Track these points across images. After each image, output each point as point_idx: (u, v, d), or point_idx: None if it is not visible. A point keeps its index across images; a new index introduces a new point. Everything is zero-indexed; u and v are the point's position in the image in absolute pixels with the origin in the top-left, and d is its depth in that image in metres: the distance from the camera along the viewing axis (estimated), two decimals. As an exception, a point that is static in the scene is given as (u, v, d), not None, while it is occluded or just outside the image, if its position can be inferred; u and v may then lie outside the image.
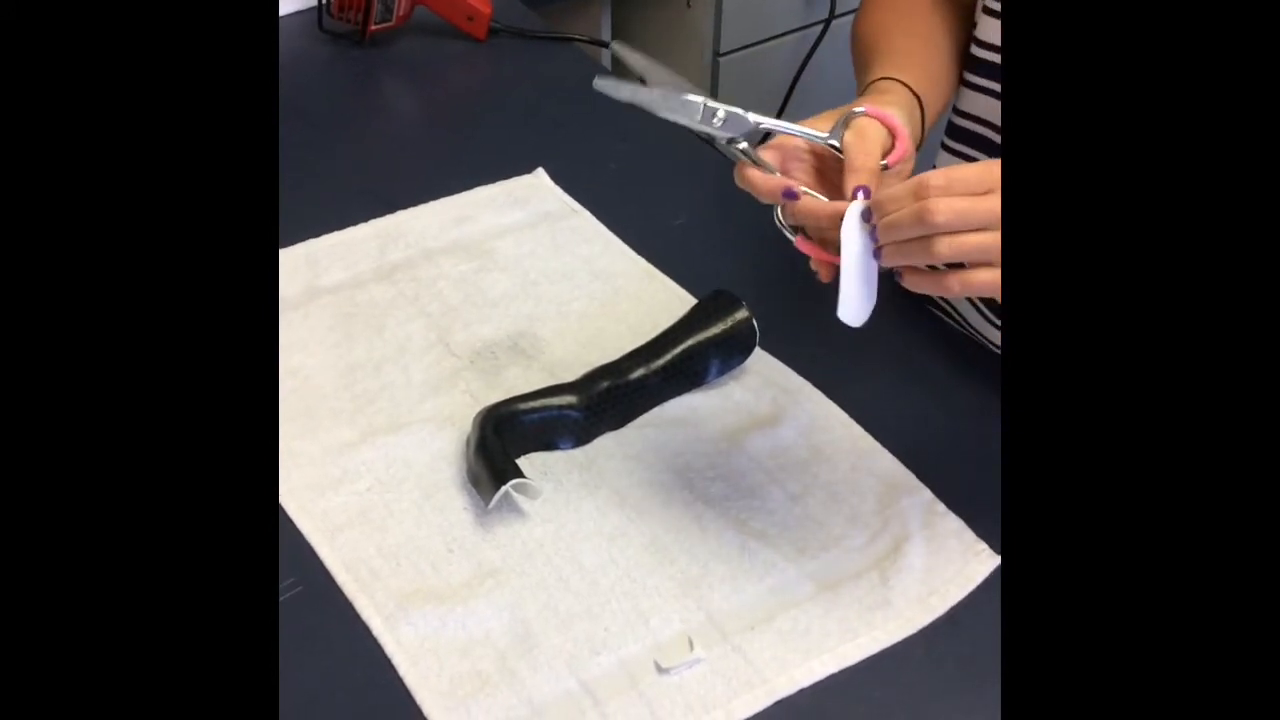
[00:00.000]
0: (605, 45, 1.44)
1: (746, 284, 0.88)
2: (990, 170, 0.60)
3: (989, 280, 0.60)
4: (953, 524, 0.76)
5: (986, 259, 0.60)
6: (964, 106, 0.85)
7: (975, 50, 0.82)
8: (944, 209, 0.59)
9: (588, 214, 1.00)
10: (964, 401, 0.85)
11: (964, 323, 0.93)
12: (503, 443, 0.76)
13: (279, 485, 0.76)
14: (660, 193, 1.03)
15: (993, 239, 0.59)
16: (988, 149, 0.84)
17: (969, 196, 0.60)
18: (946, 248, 0.60)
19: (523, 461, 0.77)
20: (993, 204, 0.59)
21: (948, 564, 0.73)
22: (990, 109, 0.82)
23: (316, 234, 0.97)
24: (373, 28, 1.20)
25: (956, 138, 0.87)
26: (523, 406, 0.79)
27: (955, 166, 0.62)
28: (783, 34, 1.79)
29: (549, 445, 0.80)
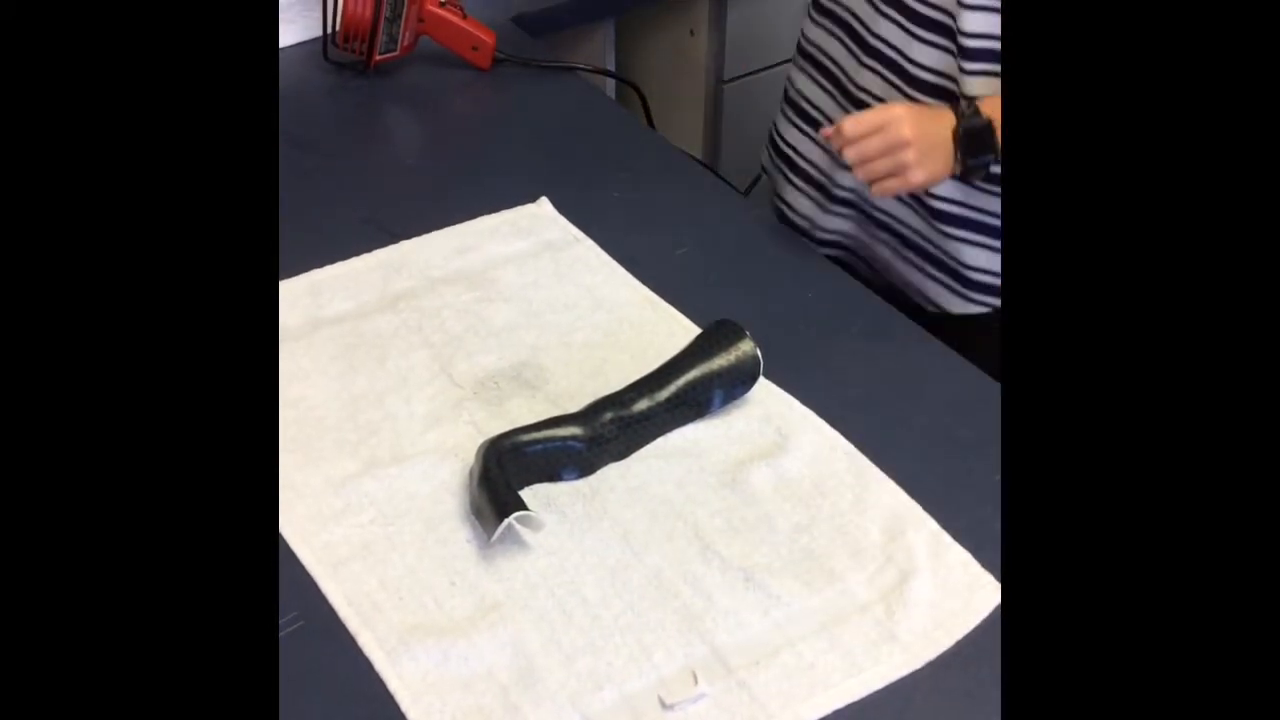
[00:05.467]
0: (609, 74, 1.44)
1: (749, 313, 0.87)
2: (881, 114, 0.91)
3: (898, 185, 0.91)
4: (958, 556, 0.75)
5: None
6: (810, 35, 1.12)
7: None
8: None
9: (591, 243, 1.00)
10: (970, 431, 0.84)
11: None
12: (506, 475, 0.76)
13: (279, 517, 0.76)
14: (663, 222, 1.03)
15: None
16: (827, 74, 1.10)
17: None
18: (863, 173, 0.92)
19: (526, 493, 0.77)
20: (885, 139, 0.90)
21: (953, 597, 0.73)
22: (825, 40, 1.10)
23: (320, 264, 0.96)
24: (377, 58, 1.20)
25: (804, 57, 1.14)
26: (526, 438, 0.79)
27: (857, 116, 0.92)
28: (785, 60, 1.78)
29: (553, 476, 0.80)
